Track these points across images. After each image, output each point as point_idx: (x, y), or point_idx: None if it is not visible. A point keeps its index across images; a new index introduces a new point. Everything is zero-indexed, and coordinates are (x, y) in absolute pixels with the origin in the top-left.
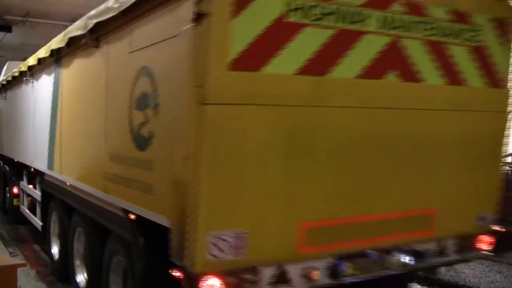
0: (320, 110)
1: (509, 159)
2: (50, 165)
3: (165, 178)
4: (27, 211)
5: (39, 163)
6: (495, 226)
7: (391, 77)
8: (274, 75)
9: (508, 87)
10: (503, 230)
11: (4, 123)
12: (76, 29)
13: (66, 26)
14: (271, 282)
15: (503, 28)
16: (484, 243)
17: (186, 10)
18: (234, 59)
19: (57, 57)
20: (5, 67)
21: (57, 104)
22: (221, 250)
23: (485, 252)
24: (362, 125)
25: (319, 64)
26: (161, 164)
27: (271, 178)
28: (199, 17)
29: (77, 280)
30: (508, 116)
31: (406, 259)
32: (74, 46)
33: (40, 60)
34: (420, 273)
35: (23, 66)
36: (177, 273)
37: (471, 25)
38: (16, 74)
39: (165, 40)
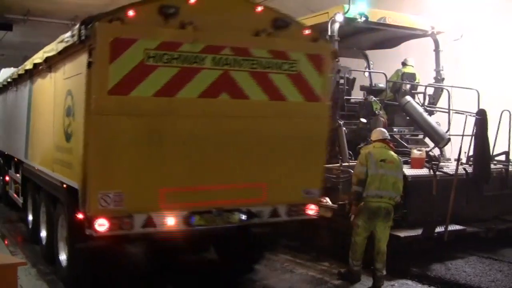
0: (170, 118)
1: (502, 157)
2: (26, 156)
3: (77, 159)
4: (14, 194)
5: (20, 154)
6: (319, 198)
7: (224, 96)
8: (137, 97)
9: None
10: (324, 201)
11: None
12: (37, 57)
13: (67, 25)
14: (142, 225)
15: (318, 60)
16: (311, 210)
17: (84, 59)
18: (111, 88)
19: (30, 75)
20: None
21: (30, 109)
22: (107, 203)
23: (312, 216)
24: (204, 127)
25: (169, 89)
26: (75, 150)
27: (139, 159)
28: (89, 64)
29: (41, 236)
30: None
31: (242, 216)
32: (37, 69)
33: (19, 75)
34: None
35: (9, 78)
36: (81, 216)
37: (289, 60)
38: (5, 83)
39: (77, 74)
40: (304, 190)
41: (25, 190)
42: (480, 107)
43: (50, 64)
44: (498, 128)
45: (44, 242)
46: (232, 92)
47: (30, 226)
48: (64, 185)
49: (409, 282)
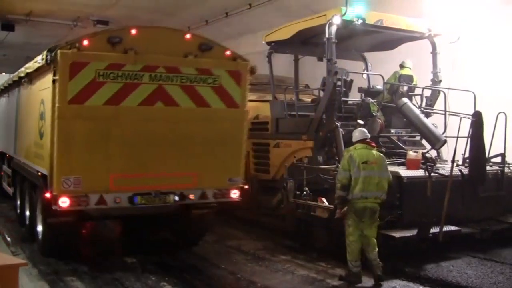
0: (116, 121)
1: (498, 159)
2: (15, 152)
3: (46, 152)
4: (7, 186)
5: (10, 151)
6: (241, 184)
7: (159, 104)
8: (90, 106)
9: (244, 107)
10: (247, 186)
11: None
12: (21, 72)
13: (69, 25)
14: (95, 203)
15: (237, 75)
16: (234, 194)
17: (51, 77)
18: (70, 99)
19: (17, 84)
20: None
21: (17, 113)
22: (68, 185)
23: (235, 199)
24: (143, 128)
25: (115, 99)
26: (45, 146)
27: (92, 152)
28: (54, 81)
29: (26, 216)
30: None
31: (176, 197)
32: (21, 81)
33: (9, 84)
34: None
35: (2, 86)
36: (49, 196)
37: (212, 75)
38: None
39: (46, 88)
40: (228, 178)
41: (14, 181)
42: (477, 109)
43: (30, 78)
44: (494, 130)
45: (27, 221)
46: (166, 101)
47: (18, 211)
48: (39, 173)
49: (411, 284)
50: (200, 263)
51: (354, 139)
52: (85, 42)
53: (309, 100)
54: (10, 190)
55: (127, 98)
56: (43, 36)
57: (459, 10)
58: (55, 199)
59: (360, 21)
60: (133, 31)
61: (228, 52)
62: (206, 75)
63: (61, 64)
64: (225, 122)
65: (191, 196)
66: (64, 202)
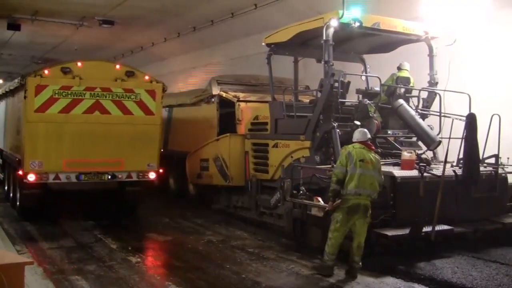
0: (67, 124)
1: (492, 160)
2: (3, 145)
3: (21, 144)
4: (1, 173)
5: (1, 145)
6: (157, 168)
7: (97, 113)
8: (49, 113)
9: (158, 115)
10: (162, 172)
11: None
12: (7, 87)
13: (74, 25)
14: (53, 179)
15: (152, 93)
16: (152, 175)
17: (22, 94)
18: (35, 109)
19: (5, 96)
20: None
21: (6, 116)
22: (33, 166)
23: (152, 179)
24: (86, 128)
25: (66, 109)
26: (20, 140)
27: (50, 144)
28: (25, 97)
29: (11, 194)
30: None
31: (109, 176)
32: (7, 94)
33: (2, 94)
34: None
35: None
36: (21, 173)
37: (134, 93)
38: None
39: (21, 101)
40: (147, 164)
41: (3, 168)
42: (471, 111)
43: (13, 92)
44: (488, 132)
45: (11, 196)
46: (101, 111)
47: (5, 189)
48: (17, 159)
49: (416, 285)
50: (204, 263)
51: (354, 139)
52: (46, 72)
53: (308, 101)
54: (1, 176)
55: (74, 109)
56: (48, 36)
57: (455, 13)
58: (25, 175)
59: (357, 24)
60: (79, 64)
61: (146, 77)
62: (130, 93)
63: (29, 86)
64: (144, 125)
65: (120, 176)
66: (31, 177)
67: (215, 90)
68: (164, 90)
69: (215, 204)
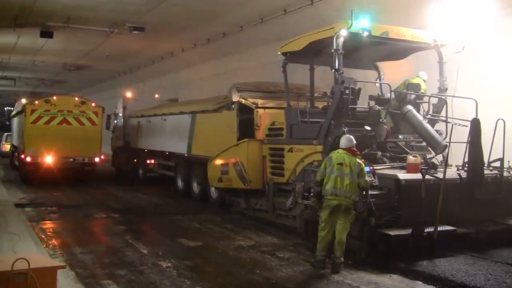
0: (48, 130)
1: (497, 163)
2: (16, 142)
3: (22, 140)
4: (15, 161)
5: (16, 143)
6: (98, 156)
7: (64, 124)
8: (38, 124)
9: (99, 126)
10: (103, 157)
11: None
12: (16, 109)
13: (105, 32)
14: (40, 160)
15: (96, 112)
16: (96, 159)
17: (23, 114)
18: (30, 122)
19: (17, 114)
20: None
21: (17, 125)
22: (29, 152)
23: (97, 162)
24: (58, 133)
25: (47, 122)
26: (22, 138)
27: (38, 141)
28: (25, 115)
29: (18, 169)
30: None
31: (71, 160)
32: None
33: (17, 111)
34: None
35: (15, 112)
36: (23, 156)
37: (85, 113)
38: (14, 112)
39: (24, 117)
40: (93, 153)
41: (14, 154)
42: (479, 116)
43: (19, 113)
44: (494, 136)
45: (18, 169)
46: (67, 123)
47: (16, 164)
48: (21, 149)
49: (416, 282)
50: (234, 268)
51: (340, 145)
52: (36, 102)
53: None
54: (16, 162)
55: (51, 122)
56: (80, 43)
57: (464, 22)
58: (25, 158)
59: (366, 33)
60: (55, 98)
61: (93, 104)
62: (83, 113)
63: (27, 110)
64: (91, 131)
65: (78, 159)
66: (28, 159)
67: (235, 97)
68: (103, 111)
69: (235, 207)
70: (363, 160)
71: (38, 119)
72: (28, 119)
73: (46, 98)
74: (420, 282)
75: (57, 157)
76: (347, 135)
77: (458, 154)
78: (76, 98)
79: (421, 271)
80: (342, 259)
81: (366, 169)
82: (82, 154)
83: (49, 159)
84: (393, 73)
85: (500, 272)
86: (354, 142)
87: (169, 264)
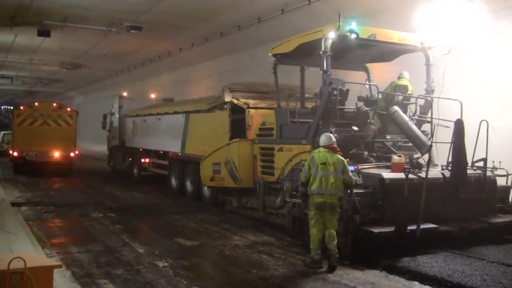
0: (32, 129)
1: (481, 163)
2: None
3: (12, 139)
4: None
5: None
6: (73, 151)
7: (45, 126)
8: (24, 126)
9: (74, 126)
10: (77, 152)
11: None
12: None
13: (103, 31)
14: (26, 155)
15: (71, 115)
16: (72, 154)
17: (12, 116)
18: (17, 123)
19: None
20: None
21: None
22: (18, 148)
23: (72, 157)
24: (41, 133)
25: (31, 124)
26: (12, 137)
27: (24, 139)
28: (13, 119)
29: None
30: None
31: (51, 154)
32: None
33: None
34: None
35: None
36: (11, 152)
37: (63, 116)
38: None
39: (13, 118)
40: (69, 149)
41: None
42: (462, 117)
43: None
44: (477, 137)
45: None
46: (47, 124)
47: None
48: (11, 145)
49: (397, 277)
50: (231, 268)
51: (320, 143)
52: (21, 108)
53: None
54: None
55: (34, 123)
56: (77, 42)
57: (450, 25)
58: (13, 152)
59: (354, 36)
60: (36, 104)
61: (68, 109)
62: (60, 116)
63: (14, 113)
64: (67, 131)
65: (56, 154)
66: (15, 154)
67: (228, 97)
68: (77, 114)
69: (228, 205)
70: (347, 160)
71: (23, 121)
72: (15, 121)
73: (29, 104)
74: (416, 283)
75: (39, 151)
76: (326, 133)
77: (445, 154)
78: (54, 104)
79: (403, 266)
80: (336, 250)
81: (351, 168)
82: (60, 150)
83: (32, 154)
84: (382, 75)
85: (497, 272)
86: (334, 139)
87: (166, 264)
